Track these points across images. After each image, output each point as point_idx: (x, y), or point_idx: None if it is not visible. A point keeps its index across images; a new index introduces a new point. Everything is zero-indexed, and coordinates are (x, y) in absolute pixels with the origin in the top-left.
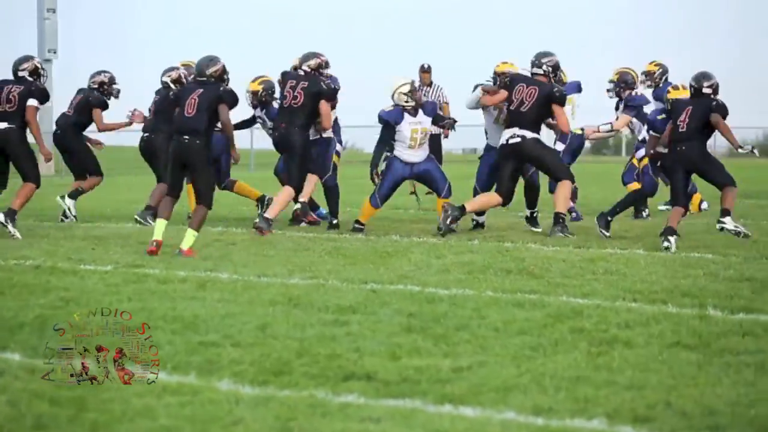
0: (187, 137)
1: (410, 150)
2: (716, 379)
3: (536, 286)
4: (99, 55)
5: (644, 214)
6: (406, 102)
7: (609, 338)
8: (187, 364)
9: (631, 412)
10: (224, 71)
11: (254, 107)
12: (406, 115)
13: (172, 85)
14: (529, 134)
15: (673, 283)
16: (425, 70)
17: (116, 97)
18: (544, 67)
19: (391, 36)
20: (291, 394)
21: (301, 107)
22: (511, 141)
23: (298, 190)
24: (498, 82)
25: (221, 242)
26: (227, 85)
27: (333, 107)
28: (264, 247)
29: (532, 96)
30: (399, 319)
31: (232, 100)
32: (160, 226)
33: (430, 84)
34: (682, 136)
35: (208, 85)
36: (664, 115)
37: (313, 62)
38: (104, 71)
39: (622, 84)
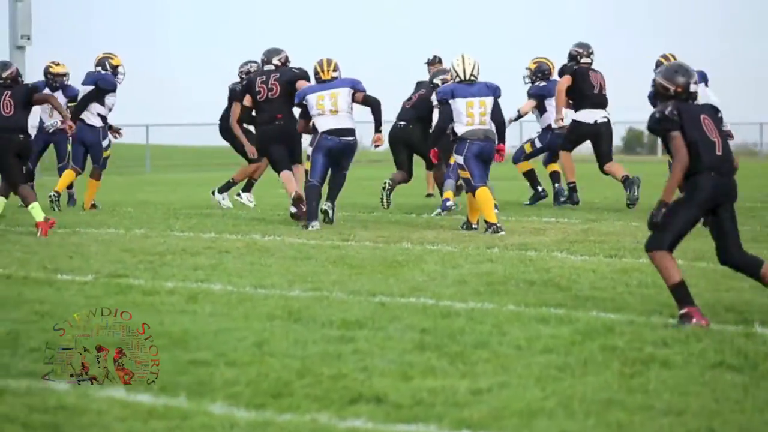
0: (7, 135)
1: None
2: (764, 404)
3: (563, 299)
4: (74, 43)
5: None
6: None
7: (644, 357)
8: (175, 385)
9: None
10: (18, 74)
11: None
12: None
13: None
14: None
15: (715, 296)
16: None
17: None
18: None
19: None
20: (291, 419)
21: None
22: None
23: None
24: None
25: (213, 250)
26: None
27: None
28: (261, 255)
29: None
30: (411, 335)
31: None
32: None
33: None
34: None
35: (12, 86)
36: None
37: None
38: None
39: (539, 73)
